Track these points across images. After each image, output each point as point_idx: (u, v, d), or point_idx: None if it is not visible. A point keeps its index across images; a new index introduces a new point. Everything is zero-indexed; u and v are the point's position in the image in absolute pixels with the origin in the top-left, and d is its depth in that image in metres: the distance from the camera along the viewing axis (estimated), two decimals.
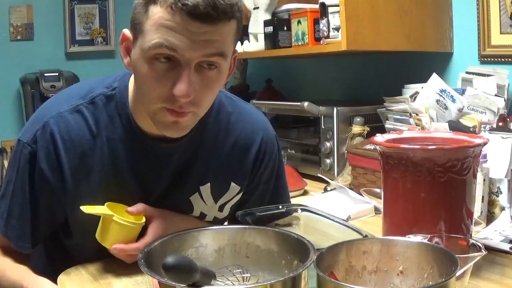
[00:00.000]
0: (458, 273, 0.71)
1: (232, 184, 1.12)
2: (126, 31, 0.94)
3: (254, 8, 2.20)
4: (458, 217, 0.95)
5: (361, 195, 1.54)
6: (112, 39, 3.46)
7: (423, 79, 1.75)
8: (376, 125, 1.85)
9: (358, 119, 1.85)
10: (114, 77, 1.06)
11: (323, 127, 1.92)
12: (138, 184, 1.04)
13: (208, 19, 0.84)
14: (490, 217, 1.31)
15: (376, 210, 1.47)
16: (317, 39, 1.91)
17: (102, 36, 3.46)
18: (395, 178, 0.96)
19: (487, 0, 1.71)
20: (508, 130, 1.43)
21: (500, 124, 1.46)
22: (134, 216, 1.02)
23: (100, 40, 3.45)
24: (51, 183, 1.00)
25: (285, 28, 2.06)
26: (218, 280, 0.77)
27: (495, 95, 1.61)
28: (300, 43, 1.98)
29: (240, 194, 1.15)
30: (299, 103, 1.94)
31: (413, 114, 1.69)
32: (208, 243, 0.86)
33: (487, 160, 1.28)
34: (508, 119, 1.47)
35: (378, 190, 1.49)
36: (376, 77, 2.23)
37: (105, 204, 1.00)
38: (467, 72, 1.74)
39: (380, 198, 1.04)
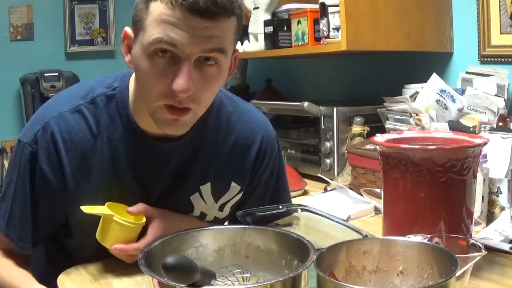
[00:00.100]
0: (458, 273, 0.71)
1: (233, 183, 1.12)
2: (128, 29, 0.94)
3: (254, 8, 2.20)
4: (458, 217, 0.95)
5: (361, 195, 1.54)
6: (112, 39, 3.46)
7: (423, 79, 1.75)
8: (376, 125, 1.85)
9: (358, 119, 1.85)
10: (115, 77, 1.06)
11: (323, 127, 1.92)
12: (138, 184, 1.04)
13: (208, 15, 0.84)
14: (490, 217, 1.31)
15: (376, 210, 1.47)
16: (317, 39, 1.91)
17: (102, 36, 3.46)
18: (395, 178, 0.96)
19: (487, 0, 1.71)
20: (508, 130, 1.43)
21: (500, 124, 1.46)
22: (134, 216, 1.02)
23: (100, 40, 3.45)
24: (51, 184, 1.00)
25: (285, 28, 2.06)
26: (218, 280, 0.77)
27: (495, 95, 1.61)
28: (300, 43, 1.98)
29: (241, 194, 1.15)
30: (299, 103, 1.94)
31: (413, 114, 1.69)
32: (208, 243, 0.86)
33: (487, 160, 1.28)
34: (508, 119, 1.47)
35: (378, 190, 1.49)
36: (376, 77, 2.23)
37: (106, 204, 1.00)
38: (467, 72, 1.74)
39: (380, 198, 1.04)
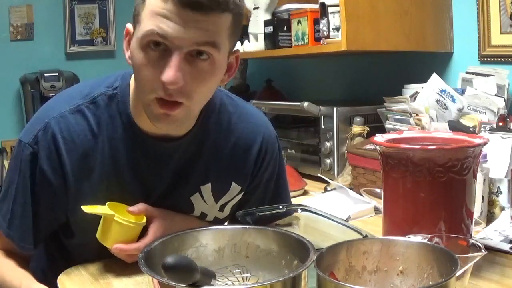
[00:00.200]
0: (458, 273, 0.71)
1: (233, 184, 1.12)
2: (129, 25, 0.95)
3: (254, 8, 2.20)
4: (458, 217, 0.95)
5: (361, 195, 1.54)
6: (112, 39, 3.46)
7: (423, 79, 1.75)
8: (376, 125, 1.85)
9: (358, 119, 1.85)
10: (115, 77, 1.06)
11: (323, 127, 1.92)
12: (138, 184, 1.04)
13: (199, 7, 0.84)
14: (490, 217, 1.31)
15: (376, 210, 1.47)
16: (317, 39, 1.91)
17: (102, 36, 3.46)
18: (395, 178, 0.96)
19: (487, 0, 1.71)
20: (508, 130, 1.43)
21: (500, 124, 1.46)
22: (135, 216, 1.02)
23: (100, 40, 3.45)
24: (52, 184, 1.00)
25: (285, 28, 2.06)
26: (218, 280, 0.77)
27: (495, 95, 1.61)
28: (300, 43, 1.98)
29: (241, 194, 1.15)
30: (299, 103, 1.94)
31: (413, 114, 1.69)
32: (208, 243, 0.86)
33: (487, 160, 1.28)
34: (508, 119, 1.47)
35: (378, 190, 1.49)
36: (376, 77, 2.23)
37: (106, 203, 1.00)
38: (467, 72, 1.74)
39: (380, 198, 1.04)
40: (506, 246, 1.09)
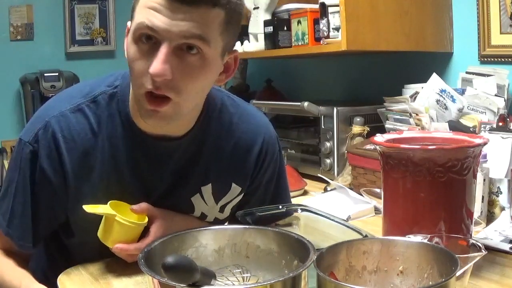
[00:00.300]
0: (458, 273, 0.71)
1: (233, 185, 1.12)
2: (128, 23, 0.95)
3: (254, 8, 2.20)
4: (458, 217, 0.95)
5: (361, 195, 1.54)
6: (112, 39, 3.46)
7: (423, 79, 1.75)
8: (376, 125, 1.85)
9: (358, 119, 1.85)
10: (116, 76, 1.06)
11: (323, 127, 1.92)
12: (138, 183, 1.04)
13: (187, 1, 0.85)
14: (490, 217, 1.31)
15: (376, 210, 1.47)
16: (317, 39, 1.91)
17: (102, 36, 3.46)
18: (395, 178, 0.96)
19: (487, 0, 1.71)
20: (508, 130, 1.43)
21: (500, 124, 1.46)
22: (137, 216, 1.02)
23: (100, 40, 3.45)
24: (52, 182, 1.00)
25: (285, 28, 2.06)
26: (218, 280, 0.77)
27: (495, 95, 1.61)
28: (300, 43, 1.98)
29: (241, 195, 1.15)
30: (299, 103, 1.94)
31: (413, 114, 1.69)
32: (208, 243, 0.86)
33: (487, 160, 1.28)
34: (508, 119, 1.47)
35: (378, 190, 1.49)
36: (376, 77, 2.23)
37: (108, 202, 1.00)
38: (467, 72, 1.74)
39: (380, 198, 1.04)
40: (506, 246, 1.09)
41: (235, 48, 1.00)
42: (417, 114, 1.68)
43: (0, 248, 1.07)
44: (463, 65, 1.81)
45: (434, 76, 1.70)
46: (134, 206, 1.02)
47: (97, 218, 1.00)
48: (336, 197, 1.59)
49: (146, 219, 1.02)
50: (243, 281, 0.84)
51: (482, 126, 1.52)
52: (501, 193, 1.32)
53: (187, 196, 1.09)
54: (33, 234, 1.03)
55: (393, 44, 1.78)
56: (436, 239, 0.85)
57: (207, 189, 1.10)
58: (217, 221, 1.15)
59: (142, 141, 1.02)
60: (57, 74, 2.99)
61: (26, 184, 1.01)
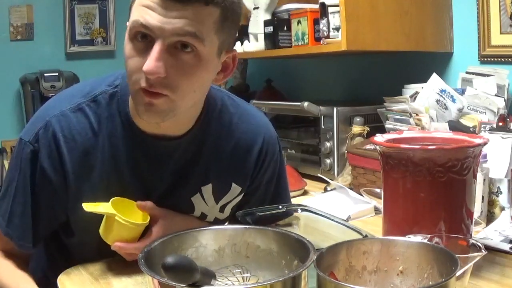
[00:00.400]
0: (458, 273, 0.71)
1: (234, 185, 1.12)
2: (127, 23, 0.95)
3: (254, 8, 2.20)
4: (458, 217, 0.95)
5: (361, 195, 1.54)
6: (112, 39, 3.46)
7: (423, 79, 1.75)
8: (376, 125, 1.85)
9: (358, 119, 1.85)
10: (116, 75, 1.06)
11: (323, 127, 1.92)
12: (139, 183, 1.04)
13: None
14: (490, 217, 1.31)
15: (376, 210, 1.47)
16: (317, 39, 1.91)
17: (102, 36, 3.46)
18: (395, 178, 0.96)
19: (487, 0, 1.71)
20: (508, 130, 1.43)
21: (500, 124, 1.46)
22: (141, 214, 1.02)
23: (100, 40, 3.45)
24: (53, 182, 1.00)
25: (285, 28, 2.06)
26: (218, 280, 0.77)
27: (495, 95, 1.61)
28: (300, 43, 1.98)
29: (241, 195, 1.15)
30: (299, 103, 1.94)
31: (413, 114, 1.69)
32: (208, 243, 0.86)
33: (487, 160, 1.28)
34: (508, 119, 1.47)
35: (378, 190, 1.49)
36: (376, 77, 2.23)
37: (112, 199, 1.00)
38: (467, 72, 1.74)
39: (380, 198, 1.04)
40: (506, 246, 1.09)
41: (234, 47, 1.00)
42: (417, 114, 1.68)
43: (0, 249, 1.07)
44: (463, 65, 1.81)
45: (434, 76, 1.70)
46: (140, 202, 1.02)
47: (97, 217, 1.00)
48: (336, 197, 1.59)
49: (148, 219, 1.02)
50: (243, 281, 0.84)
51: (482, 126, 1.52)
52: (501, 193, 1.32)
53: (187, 196, 1.09)
54: (33, 234, 1.03)
55: (393, 44, 1.78)
56: (436, 239, 0.85)
57: (207, 189, 1.10)
58: (217, 221, 1.15)
59: (142, 140, 1.02)
60: (57, 74, 2.99)
61: (27, 183, 1.01)
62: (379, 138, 1.01)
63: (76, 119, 1.01)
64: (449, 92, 1.64)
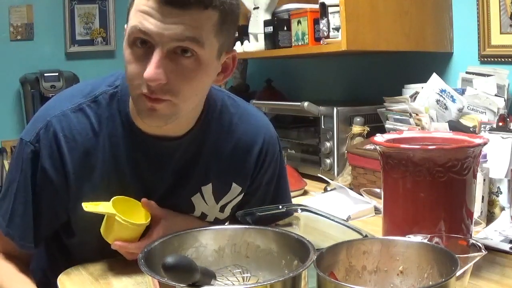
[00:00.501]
0: (458, 273, 0.71)
1: (234, 185, 1.12)
2: (126, 26, 0.95)
3: (254, 8, 2.20)
4: (458, 217, 0.95)
5: (361, 195, 1.54)
6: (112, 39, 3.46)
7: (423, 79, 1.75)
8: (376, 125, 1.85)
9: (358, 119, 1.85)
10: (117, 76, 1.06)
11: (323, 127, 1.92)
12: (139, 183, 1.04)
13: (178, 4, 0.85)
14: (490, 217, 1.31)
15: (376, 210, 1.47)
16: (317, 39, 1.91)
17: (102, 36, 3.46)
18: (395, 178, 0.96)
19: (487, 0, 1.71)
20: (508, 130, 1.43)
21: (500, 124, 1.46)
22: (144, 212, 1.02)
23: (100, 40, 3.46)
24: (54, 182, 1.00)
25: (285, 28, 2.06)
26: (218, 280, 0.77)
27: (495, 95, 1.61)
28: (300, 43, 1.98)
29: (242, 195, 1.15)
30: (299, 103, 1.94)
31: (413, 114, 1.69)
32: (208, 243, 0.86)
33: (487, 160, 1.28)
34: (508, 119, 1.47)
35: (378, 190, 1.49)
36: (376, 77, 2.23)
37: (112, 198, 0.99)
38: (467, 72, 1.74)
39: (380, 198, 1.04)
40: (506, 246, 1.09)
41: (234, 48, 1.00)
42: (417, 114, 1.68)
43: (0, 251, 1.06)
44: (463, 65, 1.81)
45: (434, 76, 1.70)
46: (146, 200, 1.02)
47: (98, 217, 0.99)
48: (336, 197, 1.59)
49: (149, 219, 1.02)
50: (243, 281, 0.84)
51: (482, 126, 1.52)
52: (501, 193, 1.32)
53: (187, 196, 1.09)
54: (35, 234, 1.03)
55: (393, 44, 1.78)
56: (436, 239, 0.85)
57: (207, 189, 1.10)
58: (218, 221, 1.15)
59: (142, 141, 1.02)
60: (57, 74, 2.99)
61: (28, 184, 1.00)
62: (379, 138, 1.01)
63: (76, 119, 1.01)
64: (449, 92, 1.64)
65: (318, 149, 1.96)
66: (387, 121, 1.80)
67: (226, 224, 1.16)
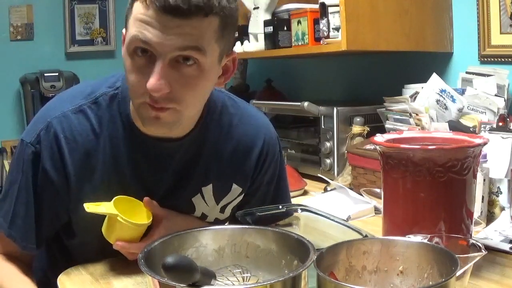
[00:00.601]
0: (458, 273, 0.71)
1: (234, 185, 1.12)
2: (123, 31, 0.95)
3: (254, 8, 2.20)
4: (458, 217, 0.95)
5: (361, 195, 1.54)
6: (112, 39, 3.46)
7: (423, 79, 1.75)
8: (376, 125, 1.85)
9: (358, 119, 1.85)
10: (117, 77, 1.06)
11: (323, 127, 1.92)
12: (140, 184, 1.04)
13: (179, 13, 0.84)
14: (490, 217, 1.31)
15: (376, 210, 1.47)
16: (317, 39, 1.91)
17: (102, 36, 3.46)
18: (395, 178, 0.96)
19: (487, 0, 1.71)
20: (508, 130, 1.43)
21: (500, 124, 1.46)
22: (146, 212, 1.02)
23: (100, 40, 3.46)
24: (55, 183, 1.00)
25: (285, 28, 2.06)
26: (218, 280, 0.77)
27: (495, 95, 1.61)
28: (300, 43, 1.98)
29: (242, 196, 1.15)
30: (299, 103, 1.94)
31: (413, 114, 1.69)
32: (208, 243, 0.86)
33: (487, 160, 1.28)
34: (508, 119, 1.47)
35: (378, 190, 1.49)
36: (376, 77, 2.23)
37: (114, 198, 0.99)
38: (467, 72, 1.74)
39: (380, 198, 1.04)
40: (506, 246, 1.09)
41: (233, 49, 1.00)
42: (417, 114, 1.68)
43: (2, 252, 1.06)
44: (463, 65, 1.81)
45: (434, 76, 1.70)
46: (148, 200, 1.02)
47: (99, 218, 0.99)
48: (336, 197, 1.59)
49: (150, 219, 1.02)
50: (243, 281, 0.84)
51: (482, 126, 1.52)
52: (501, 193, 1.32)
53: (188, 196, 1.09)
54: (36, 235, 1.03)
55: (393, 44, 1.78)
56: (436, 239, 0.85)
57: (207, 190, 1.10)
58: (218, 222, 1.15)
59: (142, 142, 1.02)
60: (57, 74, 2.99)
61: (29, 185, 1.00)
62: (379, 138, 1.01)
63: (77, 120, 1.01)
64: (449, 92, 1.64)
65: (318, 149, 1.96)
66: (387, 121, 1.80)
67: (226, 224, 1.16)
